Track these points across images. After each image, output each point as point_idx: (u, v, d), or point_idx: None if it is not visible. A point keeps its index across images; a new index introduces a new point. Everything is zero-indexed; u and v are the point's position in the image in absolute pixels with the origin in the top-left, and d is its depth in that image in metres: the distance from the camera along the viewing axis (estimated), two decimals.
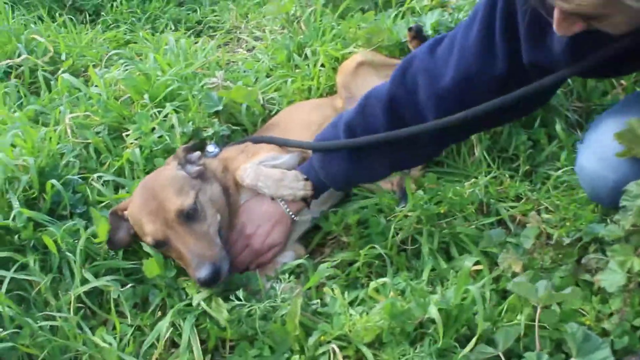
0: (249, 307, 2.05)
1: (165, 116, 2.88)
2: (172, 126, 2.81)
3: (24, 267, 2.26)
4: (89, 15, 4.92)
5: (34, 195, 2.46)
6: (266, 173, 2.40)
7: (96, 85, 3.18)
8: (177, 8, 4.99)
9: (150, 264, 2.23)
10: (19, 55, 3.67)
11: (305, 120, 2.80)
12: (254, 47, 4.20)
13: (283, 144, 2.61)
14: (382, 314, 1.90)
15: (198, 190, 2.31)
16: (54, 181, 2.42)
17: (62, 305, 2.18)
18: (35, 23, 4.31)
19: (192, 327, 2.07)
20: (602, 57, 1.75)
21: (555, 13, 1.58)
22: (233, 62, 3.92)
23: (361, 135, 2.24)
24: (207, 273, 2.10)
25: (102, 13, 4.91)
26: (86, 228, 2.34)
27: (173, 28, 4.73)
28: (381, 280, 2.05)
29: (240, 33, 4.53)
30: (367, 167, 2.34)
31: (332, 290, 2.08)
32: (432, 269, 2.28)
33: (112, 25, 4.78)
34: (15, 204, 2.31)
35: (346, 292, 2.11)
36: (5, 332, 2.03)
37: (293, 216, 2.47)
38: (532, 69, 1.99)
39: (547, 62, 1.93)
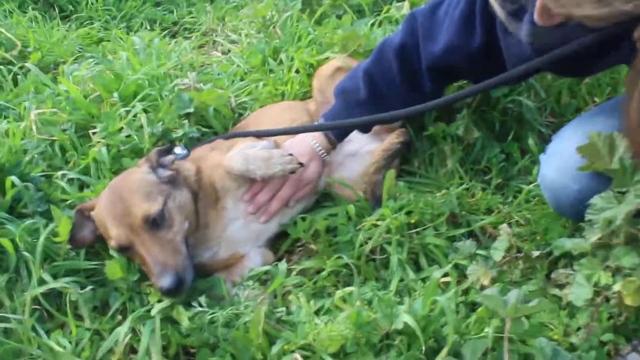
0: (211, 313, 1.99)
1: (135, 116, 2.81)
2: (141, 126, 2.74)
3: None
4: (63, 12, 4.82)
5: None
6: (254, 155, 2.34)
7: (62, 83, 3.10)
8: (153, 8, 4.94)
9: (113, 266, 2.17)
10: None
11: (276, 120, 2.75)
12: (229, 50, 4.15)
13: (256, 135, 2.59)
14: (347, 323, 1.85)
15: (167, 196, 2.25)
16: (14, 178, 2.34)
17: (16, 307, 2.11)
18: (5, 17, 4.20)
19: (151, 333, 2.00)
20: (567, 51, 1.75)
21: (538, 3, 1.59)
22: (208, 64, 3.87)
23: (379, 81, 2.41)
24: (169, 282, 2.04)
25: (77, 9, 4.80)
26: (47, 227, 2.26)
27: (148, 28, 4.67)
28: (348, 289, 2.01)
29: (216, 36, 4.47)
30: (385, 110, 2.34)
31: (298, 298, 2.03)
32: (401, 280, 2.24)
33: (86, 23, 4.69)
34: None
35: (312, 301, 2.06)
36: None
37: (325, 156, 2.55)
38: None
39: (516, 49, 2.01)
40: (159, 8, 4.97)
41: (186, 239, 2.25)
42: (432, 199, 2.48)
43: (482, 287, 2.09)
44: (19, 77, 3.43)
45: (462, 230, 2.45)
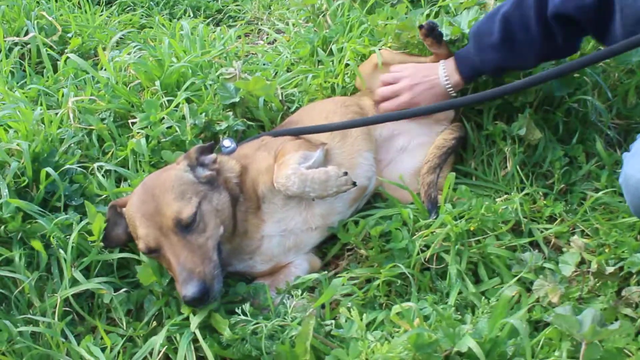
0: (254, 324, 1.81)
1: (177, 106, 2.65)
2: (183, 117, 2.58)
3: (8, 262, 2.04)
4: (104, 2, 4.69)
5: (26, 184, 2.24)
6: (312, 178, 2.14)
7: (105, 69, 2.95)
8: None
9: (145, 269, 2.02)
10: (27, 33, 3.44)
11: (329, 118, 2.56)
12: (275, 40, 3.97)
13: (306, 132, 2.44)
14: (406, 344, 1.65)
15: (202, 197, 2.09)
16: (49, 169, 2.19)
17: (46, 308, 1.96)
18: (48, 0, 4.09)
19: (189, 344, 1.83)
20: None
21: None
22: (252, 53, 3.70)
23: (516, 26, 2.35)
24: (193, 291, 1.87)
25: None
26: (80, 223, 2.11)
27: (192, 15, 4.52)
28: (406, 304, 1.80)
29: (261, 24, 4.31)
30: (517, 56, 2.43)
31: (349, 310, 1.83)
32: (459, 292, 2.06)
33: (128, 9, 4.56)
34: (4, 192, 2.08)
35: (365, 314, 1.87)
36: None
37: (451, 91, 2.56)
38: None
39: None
40: None
41: (219, 245, 2.08)
42: (494, 204, 2.26)
43: (549, 304, 1.92)
44: (58, 62, 3.29)
45: (525, 240, 2.25)
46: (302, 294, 1.93)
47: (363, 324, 1.80)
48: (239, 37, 3.71)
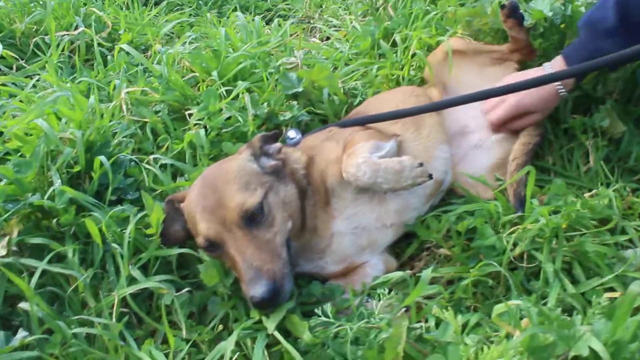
0: (337, 326, 1.60)
1: (236, 97, 2.47)
2: (244, 108, 2.40)
3: (60, 259, 1.87)
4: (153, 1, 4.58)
5: (79, 175, 2.08)
6: (385, 167, 1.94)
7: (158, 63, 2.80)
8: None
9: (208, 268, 1.83)
10: (76, 29, 3.32)
11: (399, 106, 2.35)
12: (329, 37, 3.78)
13: (378, 120, 2.26)
14: (518, 347, 1.42)
15: (268, 188, 1.89)
16: (102, 158, 2.02)
17: (102, 309, 1.78)
18: (96, 0, 3.98)
19: (263, 350, 1.62)
20: None
21: None
22: (308, 50, 3.51)
23: (634, 7, 2.08)
24: (262, 291, 1.67)
25: None
26: (136, 216, 1.93)
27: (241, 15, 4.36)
28: (512, 302, 1.57)
29: (314, 22, 4.13)
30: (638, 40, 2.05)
31: (443, 311, 1.60)
32: None
33: (176, 9, 4.43)
34: (57, 181, 1.91)
35: (460, 316, 1.64)
36: (32, 338, 1.64)
37: (562, 90, 2.31)
38: None
39: None
40: None
41: (288, 241, 1.88)
42: (589, 201, 2.03)
43: None
44: (108, 58, 3.15)
45: (622, 238, 2.01)
46: (389, 293, 1.70)
47: (459, 327, 1.58)
48: (292, 35, 3.54)
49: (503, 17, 2.46)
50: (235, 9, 4.36)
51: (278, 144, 2.09)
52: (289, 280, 1.78)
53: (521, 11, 2.47)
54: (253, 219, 1.80)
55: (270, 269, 1.73)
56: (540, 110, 2.37)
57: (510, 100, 2.36)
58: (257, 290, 1.68)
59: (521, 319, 1.64)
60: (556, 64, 2.30)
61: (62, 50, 3.22)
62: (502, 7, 2.44)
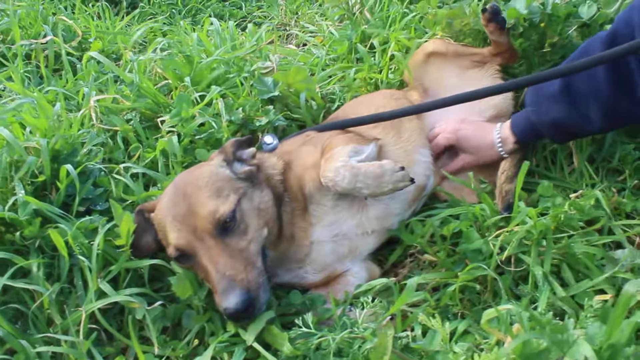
0: (318, 337, 1.51)
1: (210, 103, 2.38)
2: (218, 114, 2.31)
3: (25, 274, 1.76)
4: (125, 8, 4.48)
5: (44, 186, 1.97)
6: (365, 172, 1.87)
7: (130, 71, 2.70)
8: (220, 3, 4.56)
9: (180, 281, 1.74)
10: (45, 37, 3.21)
11: (379, 110, 2.29)
12: (306, 43, 3.72)
13: (357, 123, 2.19)
14: (510, 354, 1.35)
15: (242, 195, 1.81)
16: (69, 166, 1.91)
17: (69, 325, 1.67)
18: (66, 8, 3.88)
19: None
20: None
21: None
22: (283, 56, 3.44)
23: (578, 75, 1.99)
24: (236, 302, 1.59)
25: (141, 4, 4.47)
26: (105, 227, 1.82)
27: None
28: (502, 307, 1.49)
29: (290, 29, 4.06)
30: (579, 112, 2.04)
31: (430, 319, 1.52)
32: None
33: (149, 18, 4.34)
34: (20, 192, 1.81)
35: (448, 323, 1.57)
36: None
37: (501, 150, 2.27)
38: None
39: None
40: (226, 3, 4.58)
41: (264, 249, 1.80)
42: (580, 200, 1.98)
43: None
44: (77, 67, 3.05)
45: (608, 239, 1.95)
46: (373, 301, 1.62)
47: (447, 335, 1.50)
48: (271, 42, 3.47)
49: (484, 22, 2.41)
50: (208, 19, 4.27)
51: (252, 149, 2.00)
52: (265, 290, 1.69)
53: (503, 15, 2.41)
54: (226, 227, 1.71)
55: (244, 278, 1.64)
56: (473, 153, 2.33)
57: (453, 127, 2.35)
58: (230, 301, 1.59)
59: (511, 324, 1.57)
60: (504, 128, 2.27)
61: (30, 59, 3.11)
62: (484, 11, 2.39)
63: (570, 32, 2.53)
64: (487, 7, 2.40)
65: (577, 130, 2.15)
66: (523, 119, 2.20)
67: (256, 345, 1.53)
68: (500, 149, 2.26)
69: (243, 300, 1.59)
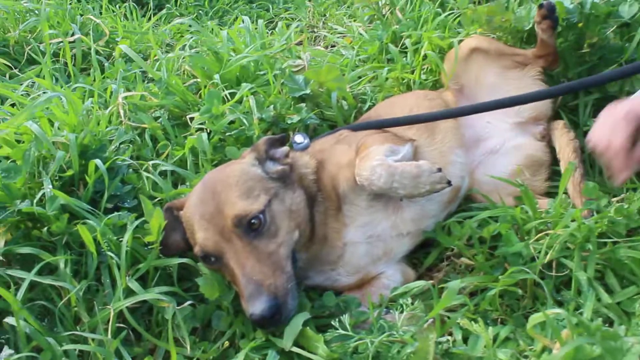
0: (355, 340, 1.44)
1: (240, 100, 2.33)
2: (248, 111, 2.26)
3: (52, 270, 1.71)
4: (152, 9, 4.46)
5: (72, 182, 1.93)
6: (402, 171, 1.80)
7: (158, 69, 2.67)
8: (247, 5, 4.52)
9: (207, 281, 1.69)
10: (73, 36, 3.19)
11: (413, 110, 2.23)
12: (334, 45, 3.67)
13: (393, 124, 2.12)
14: None
15: (273, 195, 1.75)
16: (97, 161, 1.87)
17: (97, 324, 1.62)
18: (94, 9, 3.87)
19: None
20: None
21: None
22: (313, 57, 3.39)
23: None
24: (262, 308, 1.53)
25: (167, 5, 4.45)
26: (134, 224, 1.78)
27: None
28: (550, 311, 1.42)
29: (318, 31, 4.02)
30: None
31: (472, 324, 1.45)
32: None
33: (176, 19, 4.32)
34: (48, 187, 1.76)
35: (490, 329, 1.49)
36: (18, 356, 1.48)
37: None
38: None
39: None
40: (253, 5, 4.55)
41: (293, 253, 1.74)
42: (627, 205, 1.89)
43: None
44: (105, 66, 3.03)
45: None
46: (412, 304, 1.55)
47: (490, 340, 1.43)
48: (300, 42, 3.43)
49: (538, 18, 2.34)
50: (236, 19, 4.25)
51: (285, 148, 1.95)
52: (293, 297, 1.63)
53: (557, 14, 2.34)
54: (254, 228, 1.66)
55: (271, 283, 1.59)
56: None
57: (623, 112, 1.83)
58: (256, 307, 1.54)
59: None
60: None
61: (58, 58, 3.09)
62: (540, 6, 2.31)
63: (608, 32, 2.45)
64: (544, 2, 2.32)
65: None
66: None
67: (294, 349, 1.47)
68: None
69: (270, 306, 1.54)
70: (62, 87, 2.66)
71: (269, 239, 1.68)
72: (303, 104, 2.31)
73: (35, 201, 1.71)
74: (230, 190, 1.70)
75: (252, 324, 1.62)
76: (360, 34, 3.38)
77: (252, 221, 1.65)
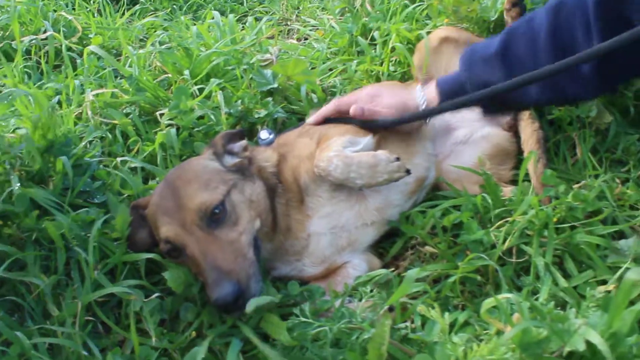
0: (316, 327, 1.49)
1: (209, 96, 2.36)
2: (217, 107, 2.30)
3: (21, 267, 1.74)
4: (126, 5, 4.45)
5: (41, 178, 1.95)
6: (358, 161, 1.84)
7: (129, 66, 2.69)
8: None
9: (174, 274, 1.71)
10: (45, 33, 3.20)
11: None
12: (307, 37, 3.70)
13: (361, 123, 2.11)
14: (509, 344, 1.32)
15: (232, 186, 1.80)
16: (64, 158, 1.89)
17: (65, 317, 1.65)
18: (67, 5, 3.87)
19: (238, 355, 1.50)
20: None
21: None
22: (284, 51, 3.42)
23: (519, 39, 1.82)
24: (225, 293, 1.56)
25: (141, 0, 4.45)
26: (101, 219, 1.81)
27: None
28: (502, 296, 1.47)
29: (291, 24, 4.04)
30: (511, 73, 1.79)
31: (429, 310, 1.50)
32: None
33: (150, 14, 4.32)
34: (16, 185, 1.79)
35: (447, 314, 1.54)
36: None
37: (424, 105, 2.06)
38: None
39: None
40: None
41: (256, 241, 1.78)
42: (584, 191, 1.95)
43: None
44: (78, 61, 3.04)
45: (611, 229, 1.90)
46: (371, 292, 1.60)
47: (446, 325, 1.48)
48: (272, 36, 3.45)
49: (508, 5, 2.37)
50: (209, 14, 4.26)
51: (243, 142, 1.99)
52: (256, 281, 1.67)
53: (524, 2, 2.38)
54: (215, 218, 1.71)
55: (233, 269, 1.62)
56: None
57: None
58: (219, 292, 1.57)
59: (512, 314, 1.55)
60: (430, 89, 2.10)
61: (30, 55, 3.10)
62: None
63: None
64: None
65: (509, 99, 1.94)
66: (452, 80, 2.03)
67: (252, 336, 1.51)
68: (423, 102, 2.08)
69: (232, 291, 1.57)
70: (31, 86, 2.68)
71: (230, 227, 1.72)
72: (270, 99, 2.34)
73: (2, 198, 1.74)
74: (189, 184, 1.75)
75: (217, 311, 1.65)
76: (332, 27, 3.42)
77: (215, 210, 1.70)
